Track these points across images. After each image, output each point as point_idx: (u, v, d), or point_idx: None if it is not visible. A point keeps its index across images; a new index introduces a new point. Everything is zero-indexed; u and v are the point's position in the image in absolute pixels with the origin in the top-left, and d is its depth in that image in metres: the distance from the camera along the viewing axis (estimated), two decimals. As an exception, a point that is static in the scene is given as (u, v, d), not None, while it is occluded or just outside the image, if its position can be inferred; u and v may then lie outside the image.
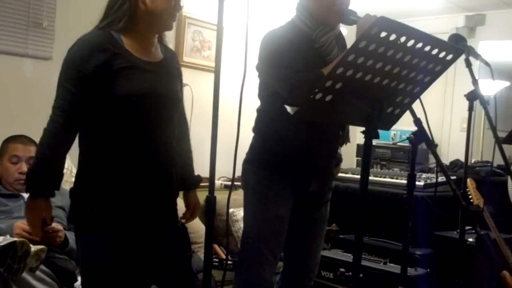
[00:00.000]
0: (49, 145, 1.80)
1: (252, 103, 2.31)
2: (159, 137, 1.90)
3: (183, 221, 2.20)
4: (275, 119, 2.20)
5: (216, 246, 3.39)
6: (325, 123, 2.16)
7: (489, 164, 3.78)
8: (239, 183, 2.36)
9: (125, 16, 1.84)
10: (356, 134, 4.82)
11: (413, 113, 1.87)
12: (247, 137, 2.31)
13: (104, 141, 1.83)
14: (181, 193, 2.15)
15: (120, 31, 1.85)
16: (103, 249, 1.82)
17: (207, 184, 1.75)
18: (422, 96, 1.80)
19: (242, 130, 1.77)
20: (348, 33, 2.35)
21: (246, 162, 2.29)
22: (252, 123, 2.35)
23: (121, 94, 1.80)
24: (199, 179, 2.16)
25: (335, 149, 2.36)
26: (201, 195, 2.32)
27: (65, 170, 3.05)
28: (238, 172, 2.23)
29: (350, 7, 2.12)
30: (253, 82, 2.27)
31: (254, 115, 2.35)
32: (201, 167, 2.19)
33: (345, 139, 2.37)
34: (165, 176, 1.93)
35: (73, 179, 3.03)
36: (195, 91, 3.90)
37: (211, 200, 1.71)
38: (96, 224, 1.82)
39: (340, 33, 2.29)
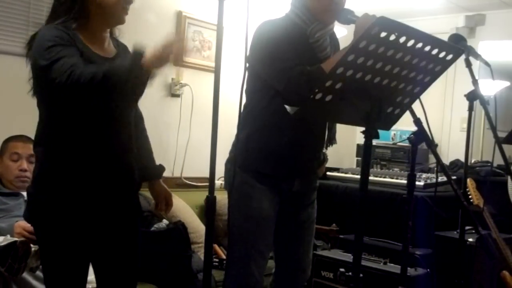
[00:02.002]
0: (86, 72, 1.62)
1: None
2: (118, 130, 1.89)
3: (161, 213, 2.16)
4: (258, 116, 2.18)
5: (216, 246, 3.39)
6: (311, 122, 2.15)
7: (489, 164, 3.79)
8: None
9: (79, 15, 1.81)
10: (356, 134, 4.85)
11: (413, 113, 1.87)
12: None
13: (63, 135, 1.79)
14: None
15: (75, 29, 1.82)
16: (63, 247, 1.79)
17: (207, 184, 1.75)
18: (422, 96, 1.80)
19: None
20: (348, 33, 2.36)
21: (228, 161, 2.26)
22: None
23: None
24: (162, 168, 2.15)
25: (320, 149, 2.34)
26: (201, 195, 2.32)
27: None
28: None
29: (350, 7, 2.11)
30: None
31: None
32: (201, 167, 2.20)
33: (332, 139, 2.36)
34: (124, 167, 1.92)
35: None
36: (195, 91, 3.91)
37: (211, 200, 1.71)
38: (56, 225, 1.80)
39: (333, 33, 2.28)
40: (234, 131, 1.81)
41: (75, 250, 1.83)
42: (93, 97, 1.71)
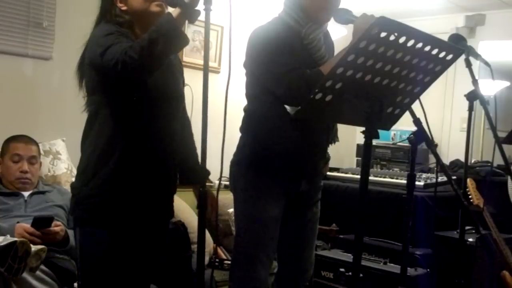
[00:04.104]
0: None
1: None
2: (163, 132, 1.93)
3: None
4: (263, 119, 2.18)
5: (215, 246, 3.38)
6: (314, 123, 2.16)
7: (489, 164, 3.79)
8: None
9: (118, 20, 1.85)
10: (356, 134, 4.85)
11: (413, 113, 1.87)
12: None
13: (112, 132, 1.83)
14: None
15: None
16: (102, 243, 1.83)
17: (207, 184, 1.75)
18: (422, 96, 1.80)
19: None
20: (348, 33, 2.36)
21: (234, 163, 2.26)
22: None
23: (136, 89, 1.81)
24: (208, 171, 2.18)
25: (324, 149, 2.34)
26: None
27: (65, 170, 3.09)
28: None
29: (350, 7, 2.11)
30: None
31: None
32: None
33: (333, 138, 2.36)
34: (166, 171, 1.96)
35: (74, 179, 3.05)
36: (195, 91, 3.88)
37: (203, 193, 1.71)
38: (96, 218, 1.83)
39: (327, 32, 2.28)
40: (234, 130, 1.80)
41: (129, 241, 1.87)
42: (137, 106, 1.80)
